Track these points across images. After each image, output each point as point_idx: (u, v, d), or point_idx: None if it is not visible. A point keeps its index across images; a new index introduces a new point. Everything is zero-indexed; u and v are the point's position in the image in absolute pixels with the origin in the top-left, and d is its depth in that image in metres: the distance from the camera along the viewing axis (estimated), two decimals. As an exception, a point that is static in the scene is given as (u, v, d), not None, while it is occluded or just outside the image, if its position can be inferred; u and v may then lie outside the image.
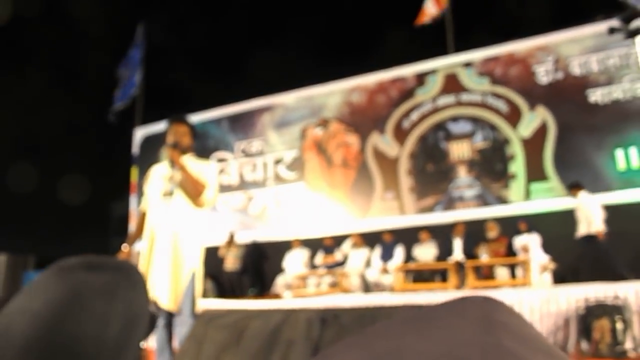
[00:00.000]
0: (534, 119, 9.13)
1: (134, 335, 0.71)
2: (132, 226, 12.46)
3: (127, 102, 13.09)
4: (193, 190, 3.19)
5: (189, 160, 3.33)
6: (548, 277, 7.49)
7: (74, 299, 0.66)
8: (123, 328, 0.69)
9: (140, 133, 13.10)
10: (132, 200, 12.66)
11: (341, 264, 9.04)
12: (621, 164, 8.27)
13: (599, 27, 8.40)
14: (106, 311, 0.68)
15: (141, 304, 0.73)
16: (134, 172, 12.81)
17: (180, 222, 3.19)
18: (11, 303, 0.68)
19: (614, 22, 2.86)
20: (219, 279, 10.41)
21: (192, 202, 3.22)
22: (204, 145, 11.58)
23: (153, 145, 12.48)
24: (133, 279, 0.74)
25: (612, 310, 5.59)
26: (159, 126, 12.08)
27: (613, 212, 7.49)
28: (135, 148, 13.04)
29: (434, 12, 10.46)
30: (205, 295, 9.81)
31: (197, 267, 3.23)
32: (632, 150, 8.08)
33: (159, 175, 3.35)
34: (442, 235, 8.57)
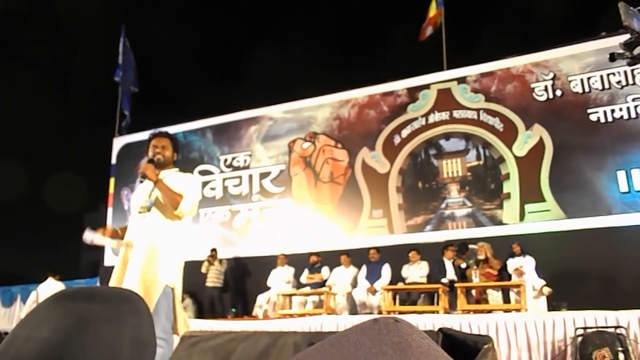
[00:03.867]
0: (530, 137, 8.93)
1: (145, 359, 0.72)
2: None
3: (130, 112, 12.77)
4: (170, 202, 3.15)
5: (172, 173, 3.32)
6: (544, 302, 7.23)
7: (80, 326, 0.68)
8: (134, 352, 0.70)
9: (119, 142, 12.72)
10: (109, 212, 12.22)
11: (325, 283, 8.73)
12: (623, 186, 8.07)
13: (601, 43, 8.27)
14: (115, 337, 0.69)
15: (147, 329, 0.75)
16: (111, 183, 12.40)
17: (156, 236, 3.13)
18: (13, 332, 0.69)
19: (617, 47, 2.65)
20: (198, 296, 10.04)
21: (168, 215, 3.19)
22: (187, 157, 11.24)
23: (131, 155, 12.12)
24: (137, 306, 0.75)
25: (614, 340, 5.33)
26: (139, 136, 11.72)
27: (614, 236, 7.28)
28: (114, 158, 12.65)
29: (430, 28, 10.33)
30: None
31: (175, 282, 3.08)
32: (635, 172, 7.88)
33: (139, 190, 3.34)
34: (432, 255, 8.29)
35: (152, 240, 3.10)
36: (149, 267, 3.03)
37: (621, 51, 2.62)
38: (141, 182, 3.20)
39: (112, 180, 12.43)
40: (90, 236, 3.16)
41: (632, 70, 7.96)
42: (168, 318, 3.00)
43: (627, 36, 2.56)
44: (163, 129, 3.51)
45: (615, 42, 2.65)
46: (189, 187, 3.26)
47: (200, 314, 9.68)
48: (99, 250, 12.36)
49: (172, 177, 3.28)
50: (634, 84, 8.16)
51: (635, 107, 8.12)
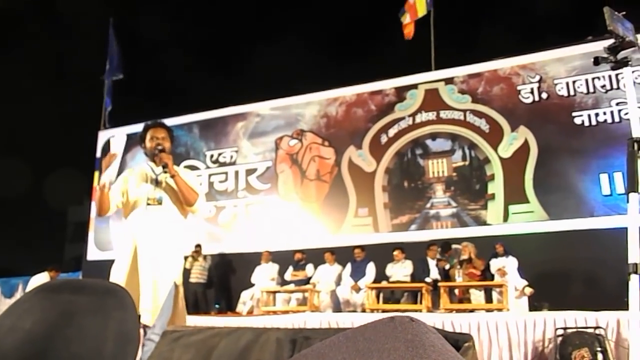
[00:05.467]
0: (515, 139, 9.00)
1: (129, 353, 0.72)
2: (90, 234, 11.93)
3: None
4: (187, 197, 3.06)
5: (177, 168, 3.20)
6: (525, 302, 7.30)
7: (64, 318, 0.68)
8: (118, 346, 0.70)
9: (104, 136, 12.60)
10: (93, 206, 12.11)
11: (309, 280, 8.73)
12: (605, 189, 8.16)
13: (587, 47, 8.35)
14: (99, 330, 0.69)
15: (132, 324, 0.75)
16: (96, 177, 12.29)
17: (166, 231, 3.04)
18: None
19: (601, 52, 2.69)
20: (183, 292, 9.98)
21: (181, 211, 3.12)
22: (173, 152, 11.11)
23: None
24: (122, 300, 0.75)
25: (593, 340, 5.40)
26: (125, 129, 11.62)
27: (596, 238, 7.37)
28: (99, 152, 12.54)
29: (411, 23, 10.36)
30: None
31: (178, 278, 3.06)
32: (617, 175, 7.97)
33: (141, 180, 3.15)
34: (416, 254, 8.33)
35: (162, 236, 3.02)
36: (159, 264, 2.96)
37: (605, 55, 2.65)
38: (165, 172, 3.08)
39: (96, 174, 12.32)
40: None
41: (617, 75, 8.05)
42: (168, 315, 2.96)
43: (611, 41, 2.59)
44: (159, 120, 3.39)
45: (600, 46, 2.68)
46: (199, 186, 3.21)
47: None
48: (82, 244, 12.27)
49: (181, 172, 3.19)
50: (618, 88, 8.25)
51: (619, 111, 8.21)
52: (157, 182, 3.09)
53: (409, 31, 10.42)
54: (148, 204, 3.06)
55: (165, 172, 3.06)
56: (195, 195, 3.09)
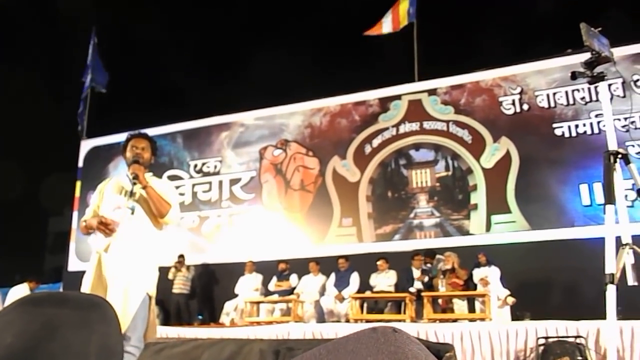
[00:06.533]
0: (497, 149, 9.10)
1: None
2: (72, 245, 11.78)
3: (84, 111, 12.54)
4: (158, 209, 3.08)
5: (150, 178, 3.21)
6: (508, 311, 7.35)
7: (46, 332, 0.66)
8: None
9: (86, 145, 12.50)
10: (74, 216, 11.98)
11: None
12: (585, 199, 8.26)
13: (567, 60, 8.48)
14: (83, 344, 0.68)
15: (115, 337, 0.75)
16: (78, 187, 12.16)
17: (137, 241, 3.04)
18: None
19: (577, 66, 2.77)
20: (164, 302, 9.90)
21: (154, 222, 3.12)
22: (156, 162, 11.05)
23: (99, 158, 11.92)
24: (106, 314, 0.74)
25: (574, 349, 5.46)
26: (107, 139, 11.55)
27: (576, 248, 7.45)
28: (81, 161, 12.42)
29: (388, 30, 10.42)
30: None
31: (152, 289, 3.02)
32: (597, 186, 8.09)
33: (116, 190, 3.17)
34: (400, 264, 8.35)
35: (133, 246, 3.02)
36: (131, 274, 2.94)
37: (582, 70, 2.72)
38: (134, 183, 3.06)
39: (78, 184, 12.19)
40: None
41: (595, 87, 8.19)
42: (143, 326, 2.94)
43: (589, 55, 2.66)
44: (142, 131, 3.44)
45: (580, 59, 2.75)
46: (174, 196, 3.21)
47: (166, 320, 9.54)
48: (63, 255, 12.11)
49: (154, 182, 3.19)
50: (597, 100, 8.39)
51: (598, 122, 8.34)
52: (131, 193, 3.08)
53: (374, 29, 10.48)
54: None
55: (135, 183, 3.06)
56: (167, 207, 3.09)
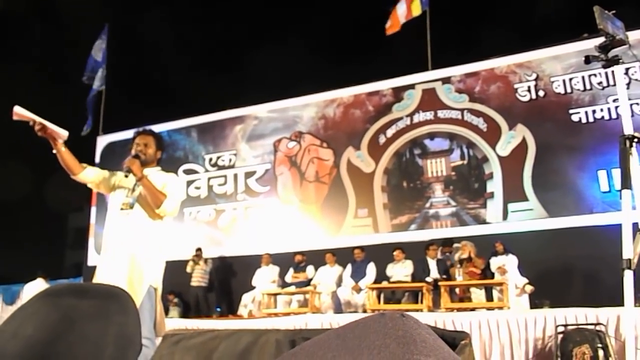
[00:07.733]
0: (513, 137, 9.01)
1: (130, 357, 0.72)
2: (90, 240, 11.93)
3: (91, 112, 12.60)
4: (153, 200, 3.12)
5: (154, 172, 3.28)
6: (526, 299, 7.31)
7: (65, 323, 0.68)
8: (119, 350, 0.70)
9: (103, 141, 12.62)
10: (92, 211, 12.12)
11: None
12: (604, 186, 8.16)
13: (583, 45, 8.35)
14: (100, 335, 0.69)
15: (133, 328, 0.75)
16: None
17: (139, 235, 3.11)
18: (0, 329, 0.69)
19: (592, 50, 2.72)
20: (183, 295, 10.01)
21: (150, 213, 3.16)
22: (172, 156, 11.19)
23: (115, 154, 12.02)
24: (125, 304, 0.75)
25: (593, 337, 5.41)
26: (123, 134, 11.63)
27: (595, 235, 7.36)
28: (97, 157, 12.55)
29: (403, 20, 10.33)
30: (169, 312, 9.40)
31: (157, 282, 3.06)
32: (616, 172, 7.97)
33: (123, 182, 3.27)
34: (416, 254, 8.33)
35: (136, 239, 3.08)
36: (134, 266, 3.01)
37: (596, 54, 2.67)
38: (126, 176, 3.15)
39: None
40: (21, 111, 3.02)
41: (612, 72, 8.06)
42: (151, 318, 2.98)
43: (603, 39, 2.61)
44: (147, 127, 3.48)
45: (597, 43, 2.70)
46: (173, 187, 3.24)
47: (185, 313, 9.66)
48: (83, 250, 12.28)
49: (155, 175, 3.24)
50: (614, 85, 8.26)
51: (616, 107, 8.19)
52: (133, 189, 3.18)
53: (390, 26, 10.41)
54: (121, 209, 3.17)
55: (127, 176, 3.14)
56: (161, 197, 3.12)
